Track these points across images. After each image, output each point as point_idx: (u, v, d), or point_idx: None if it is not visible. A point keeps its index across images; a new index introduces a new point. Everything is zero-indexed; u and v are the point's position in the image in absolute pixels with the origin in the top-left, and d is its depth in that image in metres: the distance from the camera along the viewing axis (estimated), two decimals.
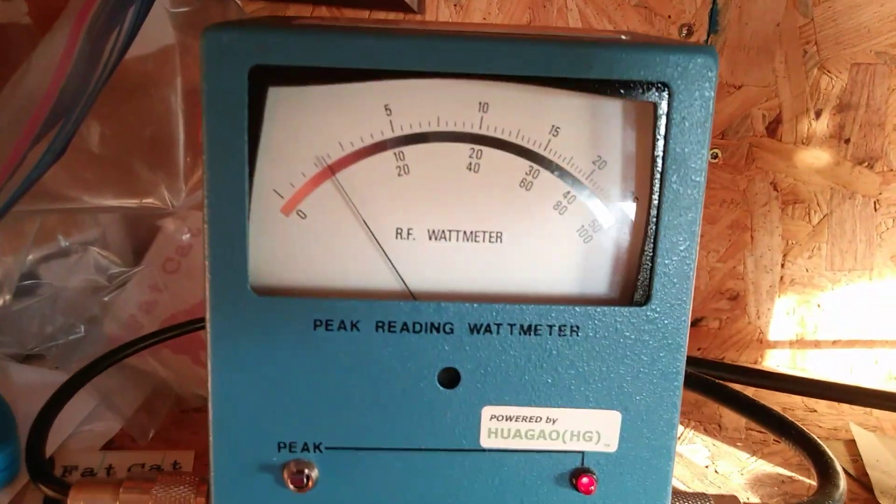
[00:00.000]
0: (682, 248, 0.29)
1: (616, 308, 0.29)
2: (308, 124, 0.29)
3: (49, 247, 0.50)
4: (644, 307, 0.29)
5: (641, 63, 0.27)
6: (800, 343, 0.61)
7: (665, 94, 0.28)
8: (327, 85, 0.28)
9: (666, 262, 0.29)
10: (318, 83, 0.28)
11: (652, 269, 0.29)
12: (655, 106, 0.28)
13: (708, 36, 0.55)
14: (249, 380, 0.29)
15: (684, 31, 0.54)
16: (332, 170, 0.29)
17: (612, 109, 0.29)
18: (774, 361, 0.61)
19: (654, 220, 0.29)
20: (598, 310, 0.29)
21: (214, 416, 0.29)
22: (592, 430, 0.31)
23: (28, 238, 0.47)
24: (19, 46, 0.50)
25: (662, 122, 0.28)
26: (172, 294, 0.53)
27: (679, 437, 0.50)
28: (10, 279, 0.47)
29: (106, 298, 0.52)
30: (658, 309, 0.29)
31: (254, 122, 0.27)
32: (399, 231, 0.30)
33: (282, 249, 0.29)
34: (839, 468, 0.38)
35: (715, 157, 0.57)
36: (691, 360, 0.55)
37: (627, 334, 0.30)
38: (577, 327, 0.29)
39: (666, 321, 0.30)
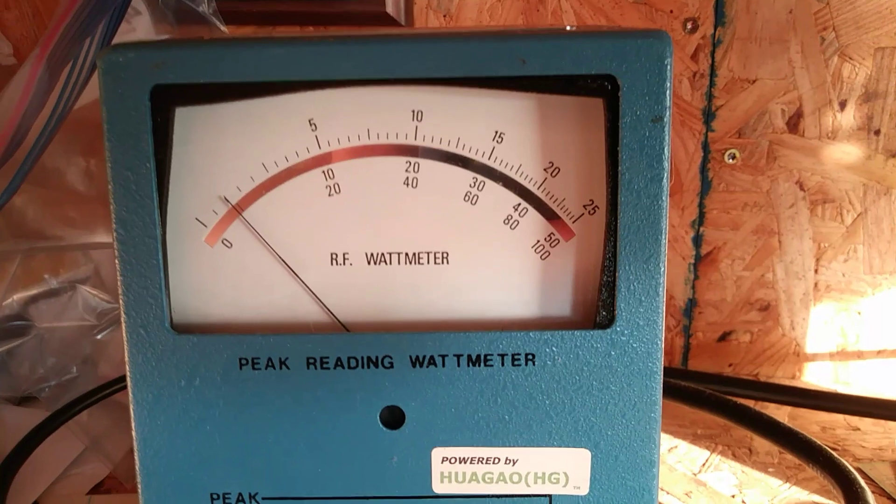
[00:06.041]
0: (646, 258, 0.26)
1: (575, 332, 0.26)
2: (227, 145, 0.26)
3: (36, 286, 0.49)
4: (608, 329, 0.26)
5: (581, 55, 0.24)
6: (841, 354, 0.56)
7: (613, 87, 0.25)
8: (241, 101, 0.26)
9: (629, 276, 0.26)
10: (230, 100, 0.26)
11: (613, 284, 0.26)
12: (604, 101, 0.25)
13: (715, 29, 0.51)
14: (175, 426, 0.27)
15: (689, 26, 0.51)
16: (238, 208, 0.26)
17: (559, 109, 0.26)
18: (814, 375, 0.56)
19: (613, 227, 0.25)
20: (555, 335, 0.26)
21: (141, 467, 0.27)
22: (559, 470, 0.27)
23: (6, 278, 0.46)
24: (3, 87, 0.50)
25: (613, 118, 0.25)
26: None
27: (705, 464, 0.46)
28: None
29: (99, 337, 0.51)
30: (624, 331, 0.26)
31: (161, 147, 0.25)
32: (334, 256, 0.27)
33: (208, 282, 0.27)
34: (871, 499, 0.34)
35: (733, 157, 0.53)
36: (721, 379, 0.51)
37: (591, 361, 0.26)
38: (532, 355, 0.26)
39: (634, 345, 0.26)
